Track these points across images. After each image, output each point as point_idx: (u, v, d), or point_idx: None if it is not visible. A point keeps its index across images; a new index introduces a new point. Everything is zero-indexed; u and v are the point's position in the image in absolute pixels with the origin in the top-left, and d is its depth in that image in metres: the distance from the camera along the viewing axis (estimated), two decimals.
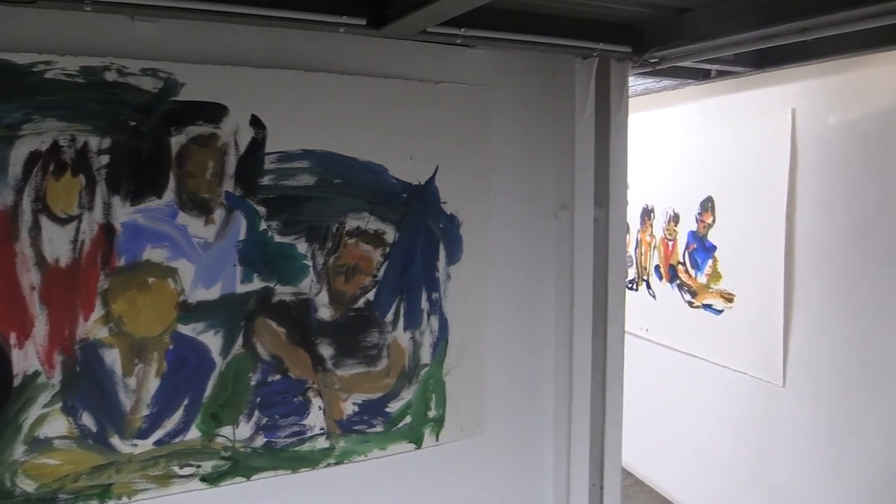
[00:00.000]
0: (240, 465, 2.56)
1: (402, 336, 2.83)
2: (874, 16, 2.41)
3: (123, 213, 2.32)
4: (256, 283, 2.54)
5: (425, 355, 2.89)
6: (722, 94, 4.41)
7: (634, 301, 5.32)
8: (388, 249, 2.77)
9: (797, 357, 3.99)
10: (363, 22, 2.45)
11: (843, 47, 3.13)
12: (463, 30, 2.62)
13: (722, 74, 3.81)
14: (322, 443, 2.71)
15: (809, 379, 3.92)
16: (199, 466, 2.49)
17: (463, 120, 2.92)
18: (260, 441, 2.59)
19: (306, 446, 2.67)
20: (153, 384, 2.40)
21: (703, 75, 3.85)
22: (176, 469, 2.46)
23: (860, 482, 3.63)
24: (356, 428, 2.77)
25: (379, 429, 2.82)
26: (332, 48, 2.63)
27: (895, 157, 3.37)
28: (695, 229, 4.73)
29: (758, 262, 4.18)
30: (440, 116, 2.87)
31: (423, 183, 2.83)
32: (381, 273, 2.77)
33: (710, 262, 4.58)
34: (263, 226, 2.54)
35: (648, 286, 5.29)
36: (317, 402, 2.68)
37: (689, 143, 4.79)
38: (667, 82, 4.19)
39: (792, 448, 4.05)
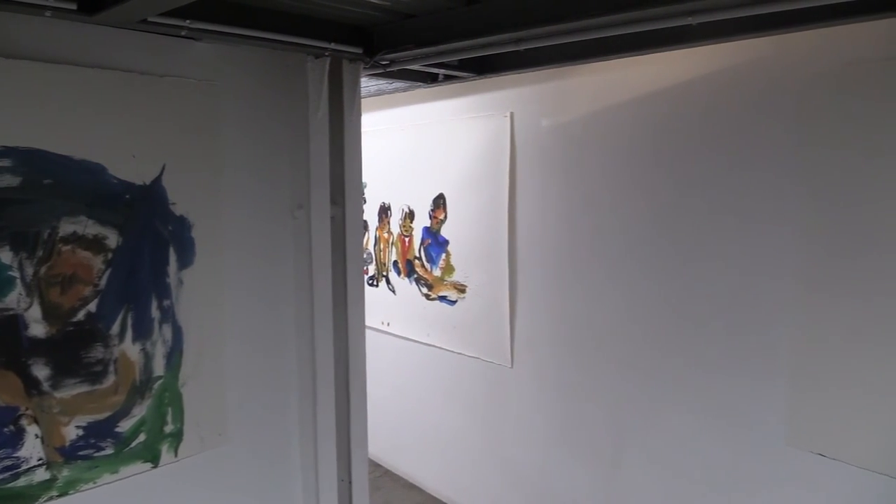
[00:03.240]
0: None
1: (130, 348, 2.62)
2: (577, 31, 2.69)
3: None
4: None
5: (158, 367, 2.71)
6: (451, 97, 4.67)
7: (375, 297, 5.46)
8: (110, 255, 2.54)
9: (522, 340, 4.36)
10: (73, 6, 2.21)
11: (553, 58, 3.46)
12: (188, 21, 2.48)
13: (449, 79, 4.02)
14: (42, 475, 2.41)
15: (533, 359, 4.31)
16: None
17: (191, 116, 2.77)
18: None
19: (22, 481, 2.37)
20: None
21: (431, 79, 4.03)
22: None
23: (579, 446, 4.07)
24: (82, 453, 2.51)
25: (109, 451, 2.58)
26: (38, 34, 2.34)
27: (595, 157, 3.81)
28: (429, 225, 4.96)
29: (486, 254, 4.50)
30: (165, 112, 2.69)
31: (148, 183, 2.63)
32: (103, 281, 2.53)
33: (443, 255, 4.83)
34: None
35: (388, 281, 5.44)
36: (32, 430, 2.38)
37: (422, 142, 5.00)
38: (399, 84, 4.32)
39: (522, 423, 4.42)
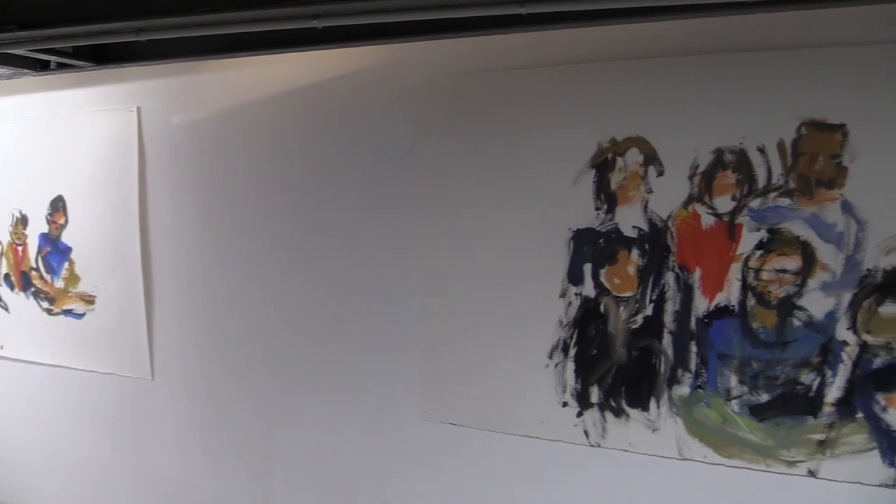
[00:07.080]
0: None
1: None
2: (201, 25, 2.62)
3: None
4: None
5: None
6: (68, 88, 4.20)
7: None
8: None
9: (163, 349, 4.11)
10: None
11: (182, 51, 3.32)
12: None
13: (63, 67, 3.65)
14: None
15: (177, 368, 4.09)
16: None
17: None
18: None
19: None
20: None
21: (41, 66, 3.63)
22: None
23: (232, 452, 3.97)
24: None
25: None
26: None
27: (230, 155, 3.76)
28: (46, 231, 4.43)
29: (116, 259, 4.16)
30: None
31: None
32: None
33: (66, 264, 4.35)
34: None
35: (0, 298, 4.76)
36: None
37: (34, 138, 4.44)
38: (1, 70, 3.81)
39: (169, 437, 4.18)
